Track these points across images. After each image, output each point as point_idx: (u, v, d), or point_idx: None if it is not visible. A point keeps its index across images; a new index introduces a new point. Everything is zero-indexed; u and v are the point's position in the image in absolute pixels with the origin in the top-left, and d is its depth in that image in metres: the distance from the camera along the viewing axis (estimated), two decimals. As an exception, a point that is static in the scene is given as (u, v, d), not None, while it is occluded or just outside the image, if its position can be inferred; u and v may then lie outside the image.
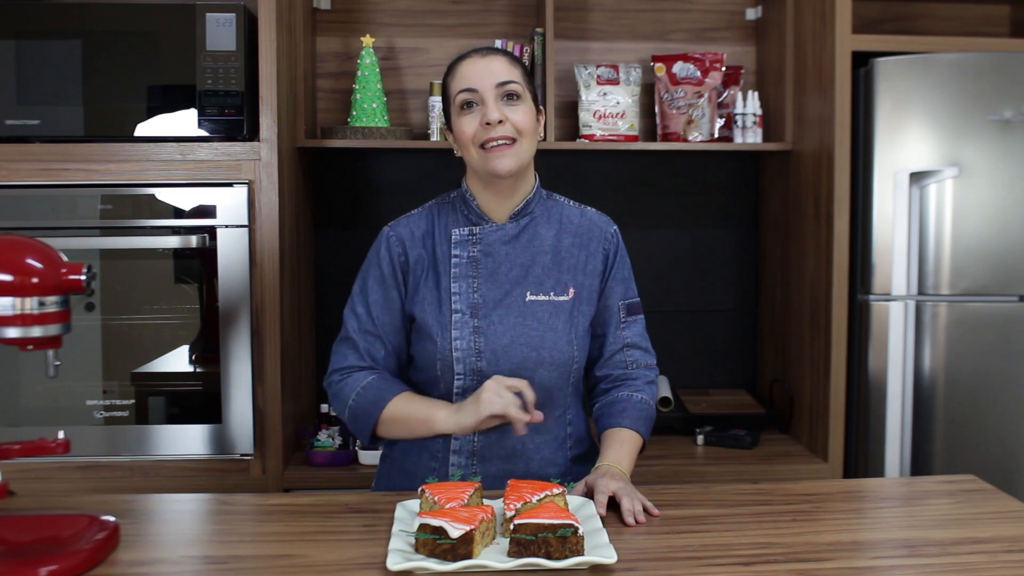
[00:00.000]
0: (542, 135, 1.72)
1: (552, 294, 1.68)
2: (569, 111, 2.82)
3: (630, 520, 1.42)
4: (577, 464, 1.74)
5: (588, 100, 2.68)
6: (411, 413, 1.65)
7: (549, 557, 1.23)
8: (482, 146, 1.61)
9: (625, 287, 1.76)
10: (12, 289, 1.27)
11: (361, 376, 1.69)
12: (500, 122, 1.60)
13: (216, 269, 2.26)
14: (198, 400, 2.30)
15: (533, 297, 1.67)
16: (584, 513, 1.41)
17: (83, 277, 1.31)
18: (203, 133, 2.26)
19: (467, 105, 1.62)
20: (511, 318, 1.65)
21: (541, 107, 1.71)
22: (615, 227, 1.77)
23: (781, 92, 2.70)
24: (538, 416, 1.57)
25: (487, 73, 1.61)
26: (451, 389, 1.66)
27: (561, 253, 1.70)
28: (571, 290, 1.69)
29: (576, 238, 1.72)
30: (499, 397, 1.55)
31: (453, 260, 1.68)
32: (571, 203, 1.77)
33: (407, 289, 1.70)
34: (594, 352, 1.77)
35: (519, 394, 1.57)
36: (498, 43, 2.68)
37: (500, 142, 1.60)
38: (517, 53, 2.62)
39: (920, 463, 2.42)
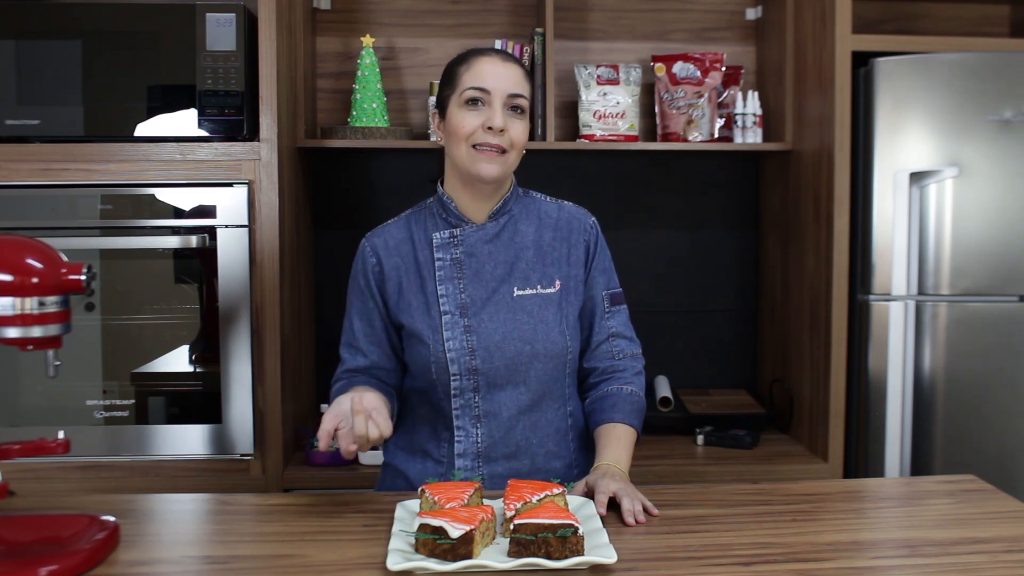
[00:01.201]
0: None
1: (539, 287, 1.69)
2: (569, 111, 2.82)
3: (630, 520, 1.42)
4: (583, 454, 1.75)
5: (588, 100, 2.68)
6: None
7: (549, 557, 1.23)
8: (473, 146, 1.62)
9: (607, 277, 1.77)
10: (12, 289, 1.27)
11: (339, 387, 1.71)
12: (502, 131, 1.61)
13: (216, 269, 2.26)
14: (198, 400, 2.30)
15: (520, 292, 1.68)
16: (584, 513, 1.41)
17: (83, 277, 1.31)
18: (203, 133, 2.26)
19: (473, 101, 1.62)
20: (501, 314, 1.66)
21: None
22: (593, 219, 1.78)
23: (781, 92, 2.70)
24: (351, 448, 1.49)
25: (504, 79, 1.62)
26: (448, 392, 1.66)
27: (543, 247, 1.71)
28: (557, 282, 1.70)
29: (556, 231, 1.73)
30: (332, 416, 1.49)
31: (437, 263, 1.68)
32: (548, 199, 1.78)
33: (385, 299, 1.71)
34: (581, 344, 1.77)
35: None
36: (498, 43, 2.68)
37: (493, 149, 1.61)
38: (517, 53, 2.62)
39: (920, 463, 2.42)
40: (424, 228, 1.72)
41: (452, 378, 1.65)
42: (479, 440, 1.67)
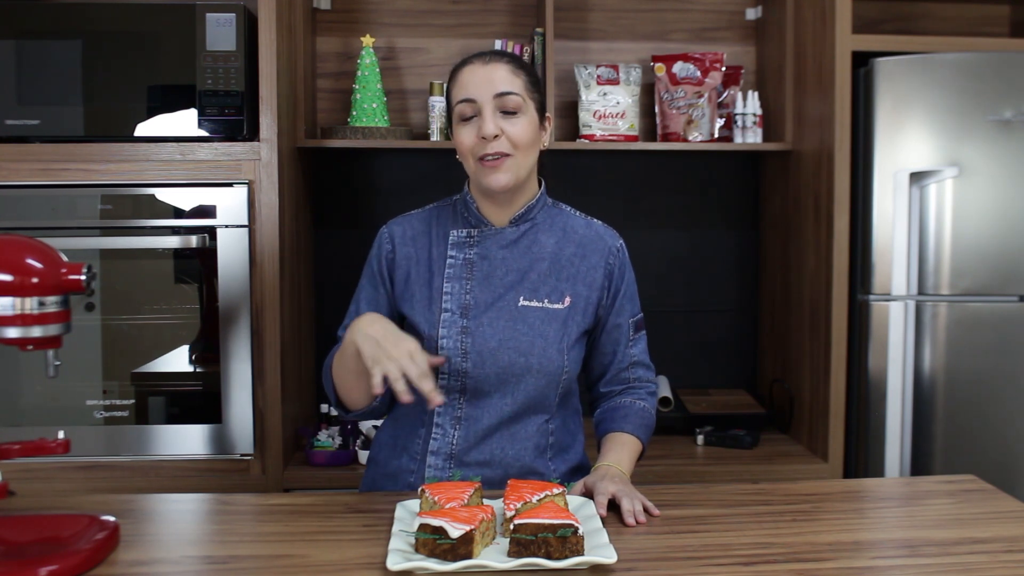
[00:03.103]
0: (545, 143, 1.69)
1: (547, 301, 1.65)
2: (569, 111, 2.82)
3: (630, 520, 1.42)
4: (568, 478, 1.70)
5: (588, 100, 2.68)
6: (341, 348, 1.59)
7: (549, 557, 1.23)
8: (479, 159, 1.60)
9: (633, 304, 1.75)
10: (12, 289, 1.27)
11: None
12: (496, 136, 1.58)
13: (216, 269, 2.26)
14: (198, 400, 2.30)
15: (526, 303, 1.65)
16: (584, 513, 1.41)
17: (83, 277, 1.31)
18: (203, 133, 2.26)
19: (466, 116, 1.61)
20: (501, 321, 1.63)
21: (548, 115, 1.70)
22: (621, 241, 1.75)
23: (781, 92, 2.70)
24: (436, 400, 1.45)
25: (486, 83, 1.59)
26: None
27: (561, 261, 1.68)
28: (567, 299, 1.67)
29: (579, 248, 1.70)
30: (391, 361, 1.43)
31: (448, 261, 1.67)
32: (577, 214, 1.76)
33: (393, 287, 1.70)
34: (600, 369, 1.76)
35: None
36: (498, 43, 2.68)
37: (494, 157, 1.58)
38: (517, 53, 2.61)
39: (920, 463, 2.42)
40: (445, 224, 1.70)
41: (440, 376, 1.63)
42: (454, 442, 1.65)
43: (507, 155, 1.59)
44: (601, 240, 1.72)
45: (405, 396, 1.44)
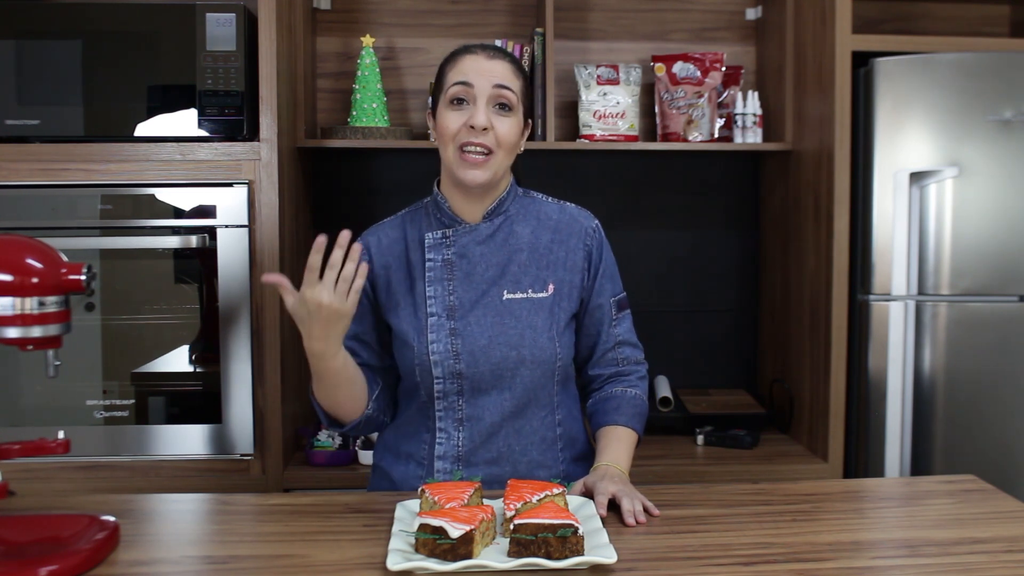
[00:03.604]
0: (521, 148, 1.69)
1: (530, 291, 1.65)
2: (569, 111, 2.83)
3: (630, 521, 1.42)
4: (574, 466, 1.72)
5: (588, 100, 2.68)
6: (313, 373, 1.59)
7: (549, 557, 1.23)
8: (460, 148, 1.59)
9: (613, 283, 1.74)
10: (12, 289, 1.27)
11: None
12: (485, 129, 1.58)
13: (216, 269, 2.27)
14: (198, 400, 2.30)
15: (510, 296, 1.64)
16: (584, 513, 1.41)
17: (83, 277, 1.31)
18: (203, 133, 2.27)
19: (458, 100, 1.60)
20: (488, 318, 1.63)
21: (529, 120, 1.70)
22: (596, 222, 1.74)
23: (781, 92, 2.70)
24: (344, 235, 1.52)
25: (488, 73, 1.59)
26: (432, 394, 1.64)
27: (539, 250, 1.68)
28: (551, 286, 1.67)
29: (555, 234, 1.69)
30: (304, 307, 1.47)
31: (427, 264, 1.66)
32: (549, 200, 1.75)
33: (376, 297, 1.69)
34: (586, 351, 1.76)
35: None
36: (498, 43, 2.67)
37: (478, 150, 1.58)
38: (517, 53, 2.62)
39: (920, 463, 2.42)
40: (418, 228, 1.70)
41: (435, 381, 1.63)
42: (460, 444, 1.65)
43: (490, 153, 1.59)
44: (576, 223, 1.71)
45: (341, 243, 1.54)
